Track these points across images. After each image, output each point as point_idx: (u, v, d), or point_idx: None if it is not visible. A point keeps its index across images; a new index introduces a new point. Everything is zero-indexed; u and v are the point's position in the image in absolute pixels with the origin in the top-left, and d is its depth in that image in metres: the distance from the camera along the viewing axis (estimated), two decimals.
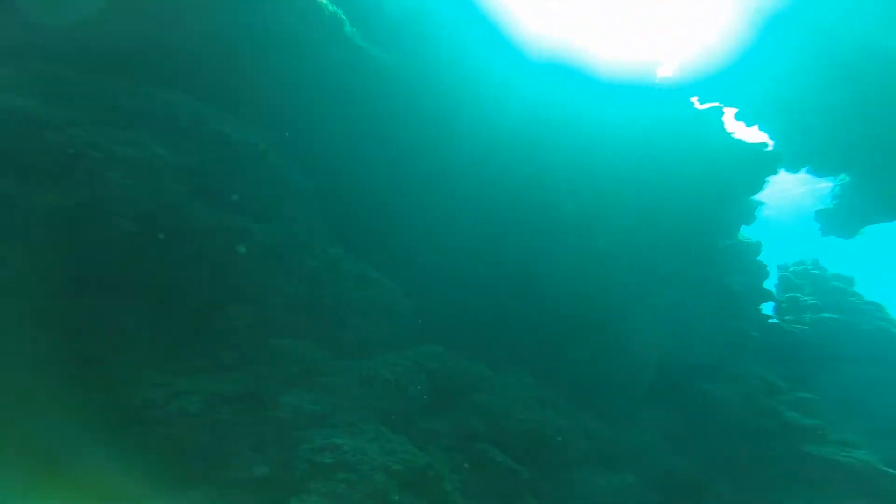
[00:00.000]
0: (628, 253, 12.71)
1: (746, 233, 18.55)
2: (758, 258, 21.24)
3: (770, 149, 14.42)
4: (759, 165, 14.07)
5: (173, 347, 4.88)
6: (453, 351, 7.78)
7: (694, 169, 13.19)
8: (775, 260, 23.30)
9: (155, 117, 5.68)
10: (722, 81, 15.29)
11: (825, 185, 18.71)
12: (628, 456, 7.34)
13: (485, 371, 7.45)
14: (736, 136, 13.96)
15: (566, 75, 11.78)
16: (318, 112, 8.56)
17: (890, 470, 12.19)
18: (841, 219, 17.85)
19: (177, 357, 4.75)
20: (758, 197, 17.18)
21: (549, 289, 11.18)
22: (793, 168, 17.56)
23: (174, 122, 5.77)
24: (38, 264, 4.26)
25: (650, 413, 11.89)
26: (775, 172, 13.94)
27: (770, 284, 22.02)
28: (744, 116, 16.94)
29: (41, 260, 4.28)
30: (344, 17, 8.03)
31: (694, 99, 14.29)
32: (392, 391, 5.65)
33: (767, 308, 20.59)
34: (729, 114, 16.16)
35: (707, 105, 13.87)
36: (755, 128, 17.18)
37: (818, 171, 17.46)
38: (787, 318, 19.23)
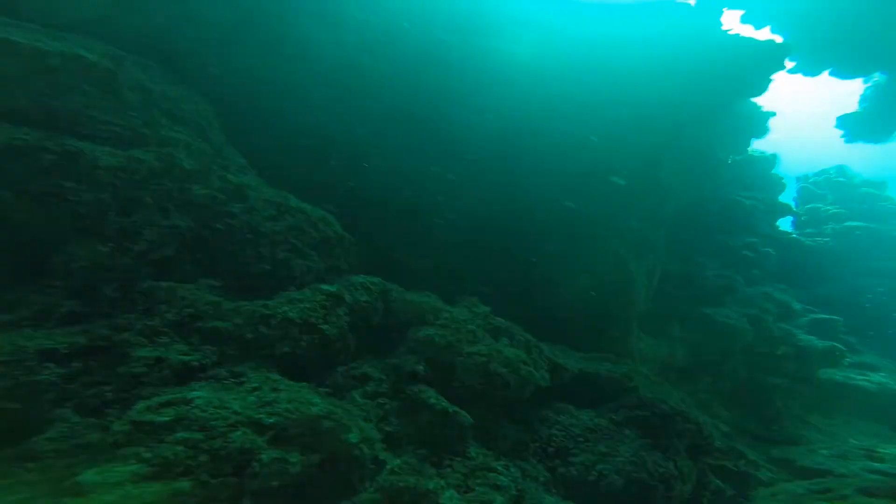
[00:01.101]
0: (618, 162, 11.03)
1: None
2: (773, 171, 19.30)
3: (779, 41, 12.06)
4: (763, 61, 11.71)
5: None
6: (399, 283, 6.73)
7: (690, 67, 11.14)
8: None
9: None
10: None
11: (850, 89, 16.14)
12: (607, 391, 6.36)
13: (434, 303, 6.38)
14: (734, 31, 11.70)
15: None
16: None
17: None
18: (872, 121, 15.57)
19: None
20: (767, 108, 15.05)
21: (524, 202, 9.84)
22: (813, 70, 15.14)
23: None
24: None
25: (646, 343, 10.95)
26: (781, 67, 11.64)
27: (789, 198, 20.19)
28: (751, 18, 14.46)
29: None
30: None
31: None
32: (297, 333, 4.65)
33: (786, 223, 18.95)
34: (735, 17, 13.84)
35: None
36: (767, 30, 14.72)
37: (843, 70, 14.99)
38: (807, 230, 17.55)
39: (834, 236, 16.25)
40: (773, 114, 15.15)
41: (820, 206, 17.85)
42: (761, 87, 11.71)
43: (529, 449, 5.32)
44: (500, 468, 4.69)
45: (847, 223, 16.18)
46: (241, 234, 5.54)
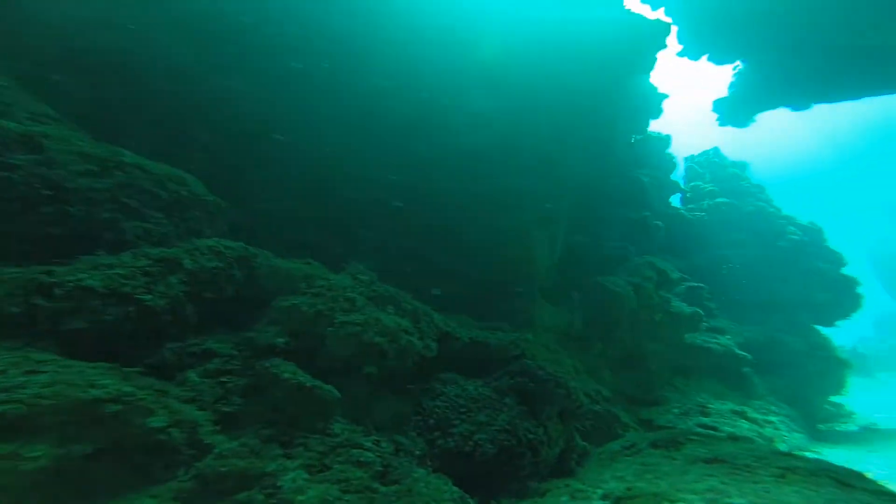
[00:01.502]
0: (523, 137, 11.07)
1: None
2: (666, 151, 21.07)
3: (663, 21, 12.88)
4: (648, 39, 12.46)
5: None
6: (269, 248, 5.92)
7: (594, 42, 11.45)
8: None
9: None
10: None
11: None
12: (497, 359, 6.23)
13: (309, 270, 5.69)
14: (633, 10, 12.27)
15: None
16: None
17: (740, 351, 13.10)
18: (736, 106, 17.56)
19: None
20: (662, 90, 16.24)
21: (430, 173, 9.47)
22: (694, 55, 16.58)
23: None
24: None
25: (549, 311, 11.32)
26: (664, 46, 12.50)
27: (679, 176, 22.38)
28: None
29: None
30: None
31: None
32: (100, 305, 3.72)
33: (677, 200, 20.98)
34: None
35: None
36: (661, 12, 15.74)
37: (718, 57, 16.67)
38: (690, 206, 19.58)
39: (707, 211, 18.33)
40: (667, 95, 16.40)
41: (700, 183, 20.03)
42: (649, 64, 12.45)
43: (411, 422, 4.97)
44: (368, 444, 4.24)
45: (717, 199, 18.34)
46: (27, 190, 4.34)
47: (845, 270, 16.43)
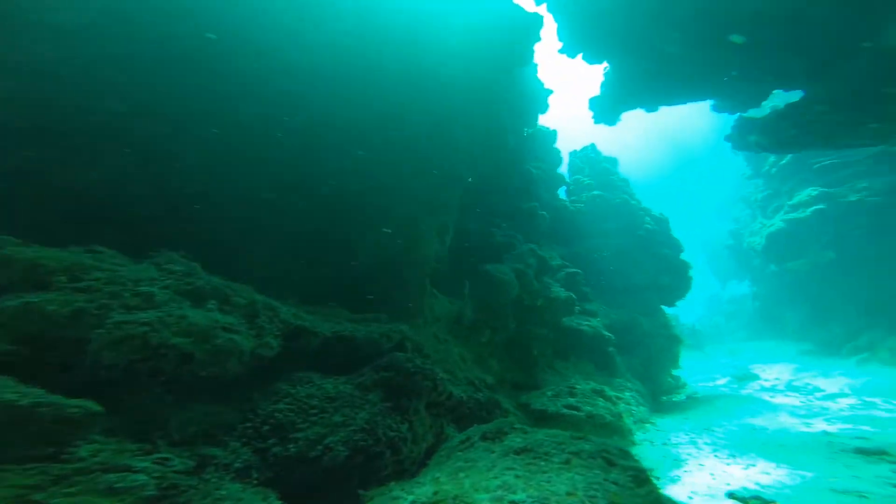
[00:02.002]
0: (411, 126, 10.57)
1: None
2: (554, 145, 22.51)
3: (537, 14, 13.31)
4: (525, 31, 12.75)
5: None
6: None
7: (481, 30, 11.31)
8: None
9: None
10: None
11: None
12: (365, 354, 5.75)
13: (74, 259, 4.37)
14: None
15: None
16: None
17: (606, 332, 15.02)
18: (605, 105, 19.24)
19: None
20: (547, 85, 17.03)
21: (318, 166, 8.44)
22: (571, 53, 17.62)
23: None
24: None
25: (441, 301, 11.26)
26: (538, 38, 12.96)
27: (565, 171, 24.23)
28: None
29: None
30: None
31: None
32: None
33: (563, 192, 22.71)
34: None
35: None
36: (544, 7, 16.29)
37: (590, 56, 17.90)
38: (573, 198, 21.35)
39: (586, 202, 20.23)
40: (552, 91, 17.28)
41: (580, 177, 21.99)
42: (527, 56, 12.82)
43: (236, 431, 4.21)
44: (141, 464, 3.38)
45: (593, 192, 20.36)
46: None
47: (683, 256, 19.60)
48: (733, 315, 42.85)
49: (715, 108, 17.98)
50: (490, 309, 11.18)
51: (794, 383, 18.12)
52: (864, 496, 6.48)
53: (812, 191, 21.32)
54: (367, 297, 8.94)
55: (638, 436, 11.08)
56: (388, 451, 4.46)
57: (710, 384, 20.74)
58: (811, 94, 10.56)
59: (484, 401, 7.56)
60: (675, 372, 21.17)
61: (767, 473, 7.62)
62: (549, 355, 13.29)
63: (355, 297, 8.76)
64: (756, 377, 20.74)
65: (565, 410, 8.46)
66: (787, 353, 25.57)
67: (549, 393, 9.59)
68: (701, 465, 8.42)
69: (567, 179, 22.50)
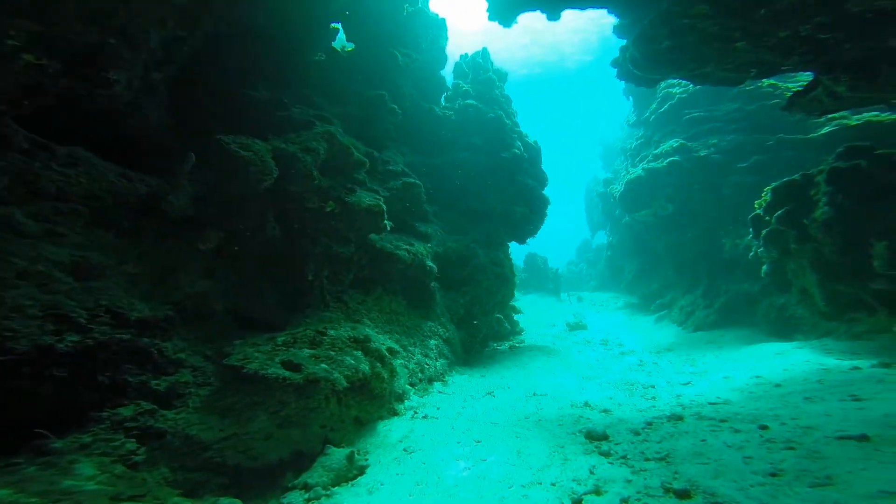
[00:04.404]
0: None
1: None
2: (441, 40, 18.20)
3: None
4: None
5: None
6: None
7: None
8: None
9: None
10: None
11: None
12: None
13: None
14: None
15: None
16: None
17: (430, 262, 12.04)
18: (503, 4, 15.52)
19: None
20: None
21: None
22: None
23: None
24: None
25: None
26: None
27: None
28: None
29: None
30: None
31: None
32: None
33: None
34: None
35: None
36: None
37: None
38: (445, 105, 17.91)
39: (457, 111, 16.99)
40: None
41: (460, 82, 18.43)
42: None
43: None
44: None
45: (468, 101, 17.14)
46: None
47: (546, 192, 18.11)
48: (593, 263, 46.41)
49: (616, 32, 15.56)
50: (221, 200, 7.55)
51: (606, 337, 18.76)
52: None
53: (674, 142, 21.05)
54: None
55: (410, 401, 9.29)
56: None
57: (547, 331, 20.91)
58: None
59: (128, 342, 4.34)
60: (516, 317, 20.83)
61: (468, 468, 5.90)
62: (344, 283, 10.58)
63: None
64: (585, 327, 21.43)
65: (274, 371, 5.79)
66: (617, 305, 27.60)
67: (281, 339, 6.81)
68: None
69: (448, 84, 18.81)
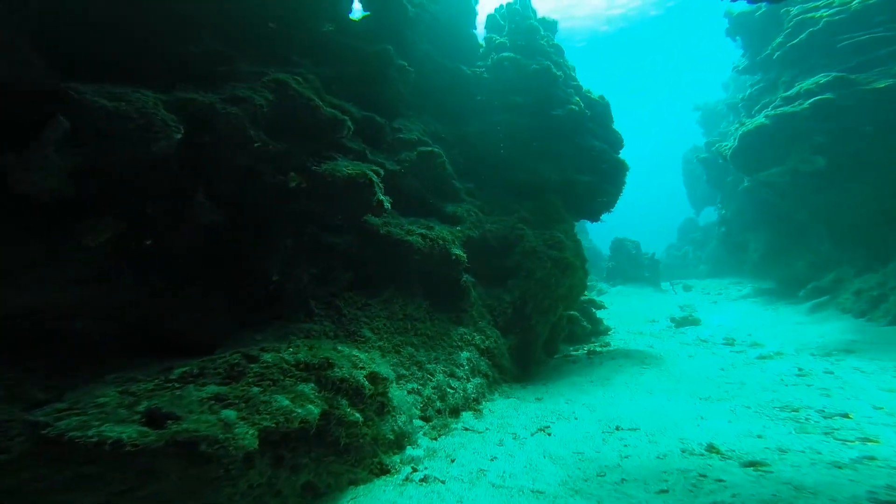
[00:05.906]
0: None
1: None
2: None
3: None
4: None
5: None
6: None
7: None
8: None
9: None
10: None
11: None
12: None
13: None
14: None
15: None
16: None
17: (456, 250, 9.37)
18: None
19: None
20: None
21: None
22: None
23: None
24: None
25: None
26: None
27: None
28: None
29: None
30: None
31: None
32: None
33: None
34: None
35: None
36: None
37: None
38: (478, 63, 14.86)
39: (490, 67, 13.79)
40: None
41: (494, 35, 15.21)
42: None
43: None
44: None
45: (503, 54, 13.78)
46: None
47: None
48: (701, 244, 38.48)
49: None
50: (110, 176, 5.38)
51: (731, 335, 13.62)
52: None
53: (822, 77, 15.04)
54: None
55: (416, 446, 6.21)
56: None
57: (644, 328, 16.29)
58: None
59: None
60: (599, 313, 16.61)
61: None
62: (340, 284, 8.02)
63: None
64: (697, 322, 16.33)
65: (110, 432, 3.28)
66: (741, 292, 21.11)
67: (179, 371, 4.34)
68: None
69: (482, 40, 15.71)
